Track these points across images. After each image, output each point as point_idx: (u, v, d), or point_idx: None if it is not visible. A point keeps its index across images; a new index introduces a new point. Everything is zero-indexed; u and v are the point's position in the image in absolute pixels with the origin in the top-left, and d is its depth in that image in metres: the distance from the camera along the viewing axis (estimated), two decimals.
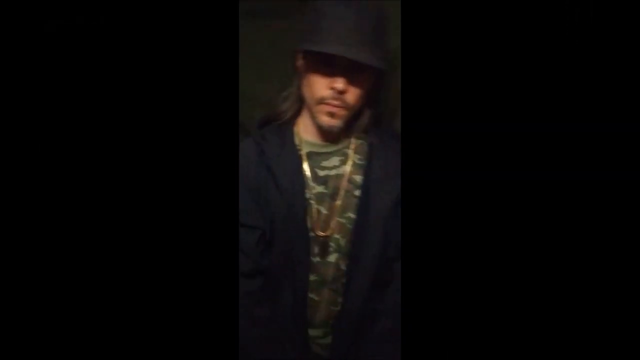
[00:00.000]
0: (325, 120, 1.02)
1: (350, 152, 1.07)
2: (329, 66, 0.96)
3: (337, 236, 1.04)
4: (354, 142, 1.08)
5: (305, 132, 1.09)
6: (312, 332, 1.05)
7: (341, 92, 0.98)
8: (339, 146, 1.08)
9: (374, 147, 1.06)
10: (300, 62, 1.03)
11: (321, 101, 1.01)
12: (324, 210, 1.04)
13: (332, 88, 0.98)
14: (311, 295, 1.04)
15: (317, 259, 1.04)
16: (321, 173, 1.06)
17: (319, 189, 1.05)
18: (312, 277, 1.04)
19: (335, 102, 0.99)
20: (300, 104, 1.08)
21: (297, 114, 1.10)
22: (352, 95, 1.00)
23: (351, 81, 0.98)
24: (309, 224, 1.03)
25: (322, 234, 1.03)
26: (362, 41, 0.94)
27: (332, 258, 1.04)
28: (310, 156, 1.07)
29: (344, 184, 1.05)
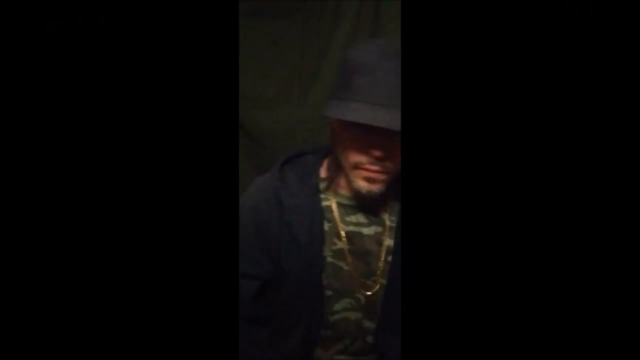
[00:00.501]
0: (363, 185, 0.91)
1: (386, 214, 0.97)
2: (365, 131, 0.85)
3: (360, 296, 0.96)
4: (389, 206, 0.98)
5: (335, 187, 0.98)
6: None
7: (380, 159, 0.88)
8: (376, 212, 0.98)
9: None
10: (334, 122, 0.93)
11: (358, 166, 0.90)
12: (347, 268, 0.95)
13: (369, 154, 0.88)
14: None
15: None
16: (347, 229, 0.96)
17: (342, 245, 0.96)
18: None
19: (374, 168, 0.89)
20: (336, 167, 0.97)
21: (332, 175, 0.98)
22: (393, 161, 0.89)
23: (391, 146, 0.87)
24: (325, 280, 0.95)
25: (368, 293, 0.95)
26: (399, 99, 0.82)
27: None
28: (338, 208, 0.97)
29: (372, 245, 0.97)
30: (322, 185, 0.97)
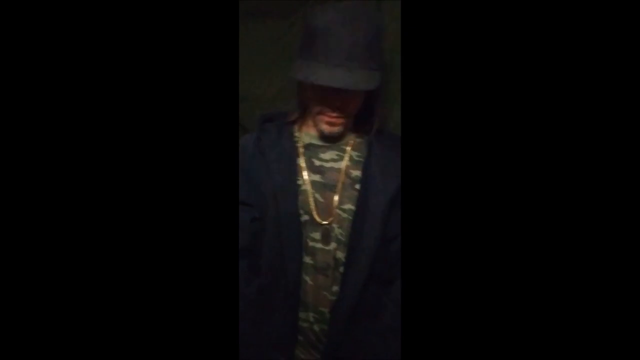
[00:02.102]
0: (326, 128, 1.09)
1: (348, 148, 1.12)
2: (325, 88, 1.00)
3: (334, 226, 1.07)
4: (352, 139, 1.13)
5: (306, 129, 1.15)
6: (303, 315, 1.07)
7: (338, 108, 1.05)
8: (338, 143, 1.13)
9: (372, 146, 1.11)
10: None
11: (320, 112, 1.07)
12: (320, 199, 1.08)
13: (330, 104, 1.04)
14: (305, 277, 1.06)
15: (319, 245, 1.06)
16: (317, 163, 1.11)
17: (315, 177, 1.09)
18: (307, 260, 1.07)
19: (334, 114, 1.06)
20: (303, 109, 1.14)
21: (300, 117, 1.16)
22: (351, 106, 1.07)
23: (348, 96, 1.04)
24: (302, 210, 1.07)
25: (323, 222, 1.06)
26: (358, 59, 0.98)
27: (331, 246, 1.06)
28: (308, 147, 1.12)
29: (342, 177, 1.09)
30: (296, 133, 1.14)
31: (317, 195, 1.08)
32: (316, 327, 1.07)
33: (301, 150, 1.11)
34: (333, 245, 1.06)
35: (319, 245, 1.06)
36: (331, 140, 1.12)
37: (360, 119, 1.12)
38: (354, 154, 1.12)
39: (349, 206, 1.07)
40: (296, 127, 1.15)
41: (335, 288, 1.06)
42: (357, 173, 1.09)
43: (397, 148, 1.07)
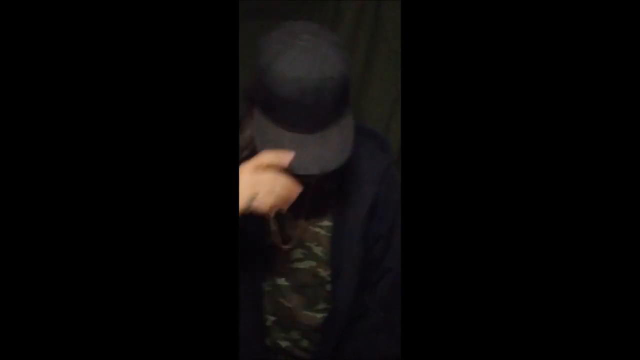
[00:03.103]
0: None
1: (309, 243, 1.02)
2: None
3: (309, 244, 1.01)
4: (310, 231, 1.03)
5: None
6: (292, 335, 1.04)
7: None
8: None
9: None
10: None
11: None
12: (291, 218, 0.99)
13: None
14: (281, 300, 1.02)
15: (291, 265, 1.01)
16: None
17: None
18: (280, 282, 1.02)
19: None
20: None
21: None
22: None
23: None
24: (267, 233, 0.98)
25: (285, 247, 0.99)
26: (328, 122, 0.85)
27: (305, 265, 1.01)
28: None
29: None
30: None
31: (287, 215, 0.97)
32: (304, 343, 1.05)
33: None
34: (309, 263, 1.01)
35: (291, 265, 1.01)
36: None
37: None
38: (321, 250, 1.01)
39: (325, 222, 1.00)
40: None
41: (322, 305, 1.02)
42: (327, 185, 0.99)
43: (373, 148, 1.00)
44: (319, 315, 1.03)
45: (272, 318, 1.04)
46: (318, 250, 1.01)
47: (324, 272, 1.01)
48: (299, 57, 0.83)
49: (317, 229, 1.01)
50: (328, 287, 1.01)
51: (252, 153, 0.89)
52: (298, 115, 0.84)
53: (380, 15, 1.46)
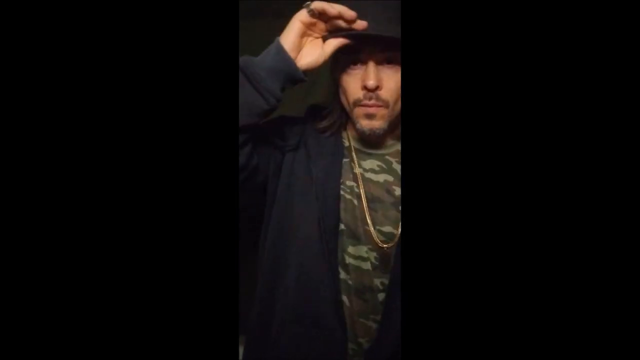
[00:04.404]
0: (366, 123, 0.97)
1: (391, 158, 1.02)
2: (358, 62, 0.94)
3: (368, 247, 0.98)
4: (396, 148, 1.03)
5: (350, 129, 1.06)
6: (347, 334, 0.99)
7: (374, 90, 0.94)
8: (382, 150, 1.03)
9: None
10: (335, 70, 1.00)
11: (357, 103, 0.96)
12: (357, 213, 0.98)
13: (365, 87, 0.94)
14: (342, 296, 0.98)
15: (356, 262, 0.98)
16: (356, 170, 1.00)
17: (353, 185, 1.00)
18: (343, 277, 0.98)
19: (371, 102, 0.95)
20: (343, 117, 1.04)
21: (341, 127, 1.06)
22: (387, 91, 0.95)
23: (383, 74, 0.94)
24: (344, 218, 0.97)
25: (384, 246, 0.96)
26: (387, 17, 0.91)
27: (369, 266, 0.99)
28: (352, 150, 1.02)
29: (382, 193, 1.00)
30: (344, 138, 1.03)
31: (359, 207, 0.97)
32: (355, 346, 0.98)
33: (346, 152, 1.01)
34: (368, 265, 0.98)
35: (356, 262, 0.97)
36: (374, 141, 1.01)
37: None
38: (399, 166, 1.00)
39: (389, 229, 0.98)
40: (344, 134, 1.05)
41: (373, 321, 0.97)
42: (398, 191, 0.98)
43: None
44: (374, 326, 0.98)
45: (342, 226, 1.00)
46: (372, 255, 0.98)
47: (379, 284, 0.99)
48: None
49: (377, 234, 0.99)
50: (381, 297, 0.98)
51: None
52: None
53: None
